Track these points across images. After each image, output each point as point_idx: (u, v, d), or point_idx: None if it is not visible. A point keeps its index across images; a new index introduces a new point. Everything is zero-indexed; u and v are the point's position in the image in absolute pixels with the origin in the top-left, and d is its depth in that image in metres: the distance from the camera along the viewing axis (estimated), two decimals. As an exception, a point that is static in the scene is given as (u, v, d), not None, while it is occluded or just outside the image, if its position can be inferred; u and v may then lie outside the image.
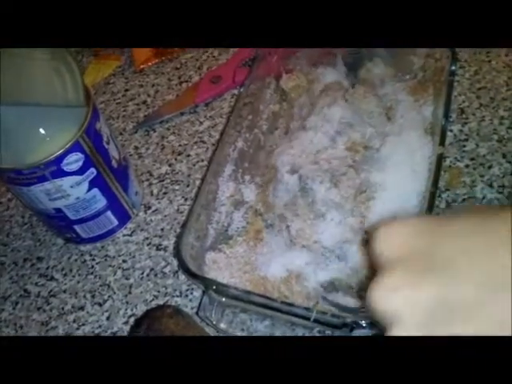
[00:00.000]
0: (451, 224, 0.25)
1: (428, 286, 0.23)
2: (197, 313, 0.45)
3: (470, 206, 0.28)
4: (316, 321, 0.38)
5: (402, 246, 0.25)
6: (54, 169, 0.44)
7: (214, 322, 0.41)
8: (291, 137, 0.53)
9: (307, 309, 0.38)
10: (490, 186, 0.50)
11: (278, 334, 0.43)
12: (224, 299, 0.40)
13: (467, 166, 0.52)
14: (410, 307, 0.23)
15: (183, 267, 0.42)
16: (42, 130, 0.44)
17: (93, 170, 0.47)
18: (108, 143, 0.48)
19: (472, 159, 0.52)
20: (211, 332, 0.44)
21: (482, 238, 0.23)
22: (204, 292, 0.42)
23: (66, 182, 0.45)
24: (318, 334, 0.39)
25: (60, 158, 0.43)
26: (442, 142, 0.46)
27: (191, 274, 0.42)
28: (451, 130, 0.54)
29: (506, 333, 0.21)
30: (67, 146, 0.43)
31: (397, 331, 0.24)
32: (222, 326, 0.42)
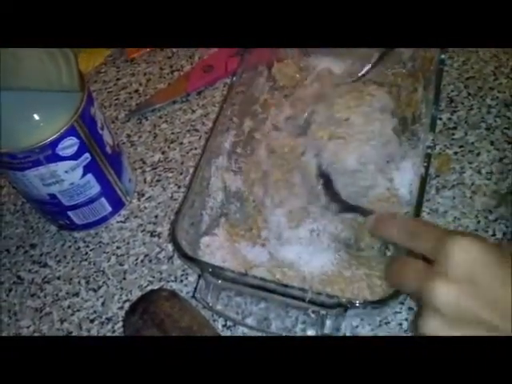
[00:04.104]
0: None
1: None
2: (193, 296, 0.46)
3: None
4: (311, 301, 0.38)
5: (472, 269, 0.28)
6: (49, 153, 0.44)
7: (210, 305, 0.42)
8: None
9: (302, 289, 0.39)
10: (479, 172, 0.51)
11: (272, 316, 0.43)
12: (220, 282, 0.41)
13: (456, 153, 0.53)
14: None
15: (179, 251, 0.42)
16: (36, 115, 0.44)
17: (87, 155, 0.47)
18: (102, 129, 0.48)
19: (461, 146, 0.53)
20: (207, 315, 0.44)
21: None
22: (200, 276, 0.42)
23: (60, 167, 0.45)
24: (312, 315, 0.40)
25: (55, 143, 0.43)
26: (432, 129, 0.47)
27: (188, 258, 0.42)
28: (440, 119, 0.55)
29: None
30: (62, 131, 0.43)
31: None
32: (218, 307, 0.43)
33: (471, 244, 0.29)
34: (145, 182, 0.57)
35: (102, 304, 0.49)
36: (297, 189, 0.48)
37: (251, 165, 0.51)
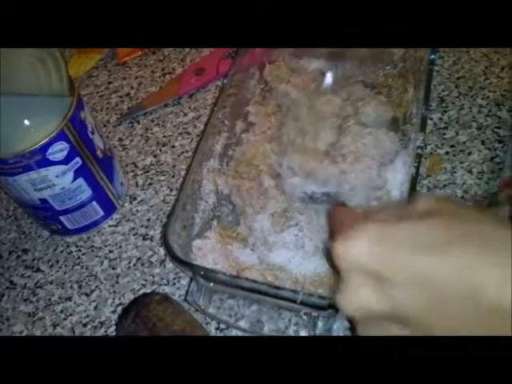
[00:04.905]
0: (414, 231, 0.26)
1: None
2: (185, 299, 0.46)
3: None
4: (302, 303, 0.38)
5: (360, 260, 0.27)
6: (39, 158, 0.44)
7: (203, 308, 0.42)
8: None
9: (294, 291, 0.39)
10: (470, 172, 0.51)
11: (265, 318, 0.43)
12: (212, 285, 0.41)
13: (447, 152, 0.53)
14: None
15: (171, 254, 0.42)
16: (26, 120, 0.44)
17: (78, 159, 0.47)
18: (93, 133, 0.48)
19: (452, 146, 0.53)
20: (199, 318, 0.44)
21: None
22: (192, 279, 0.42)
23: (51, 172, 0.45)
24: (304, 317, 0.40)
25: (45, 147, 0.43)
26: (422, 129, 0.47)
27: (179, 261, 0.42)
28: (431, 119, 0.55)
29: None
30: (52, 135, 0.43)
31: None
32: (211, 310, 0.43)
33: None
34: (137, 185, 0.57)
35: (95, 308, 0.49)
36: (272, 192, 0.48)
37: (231, 171, 0.51)
